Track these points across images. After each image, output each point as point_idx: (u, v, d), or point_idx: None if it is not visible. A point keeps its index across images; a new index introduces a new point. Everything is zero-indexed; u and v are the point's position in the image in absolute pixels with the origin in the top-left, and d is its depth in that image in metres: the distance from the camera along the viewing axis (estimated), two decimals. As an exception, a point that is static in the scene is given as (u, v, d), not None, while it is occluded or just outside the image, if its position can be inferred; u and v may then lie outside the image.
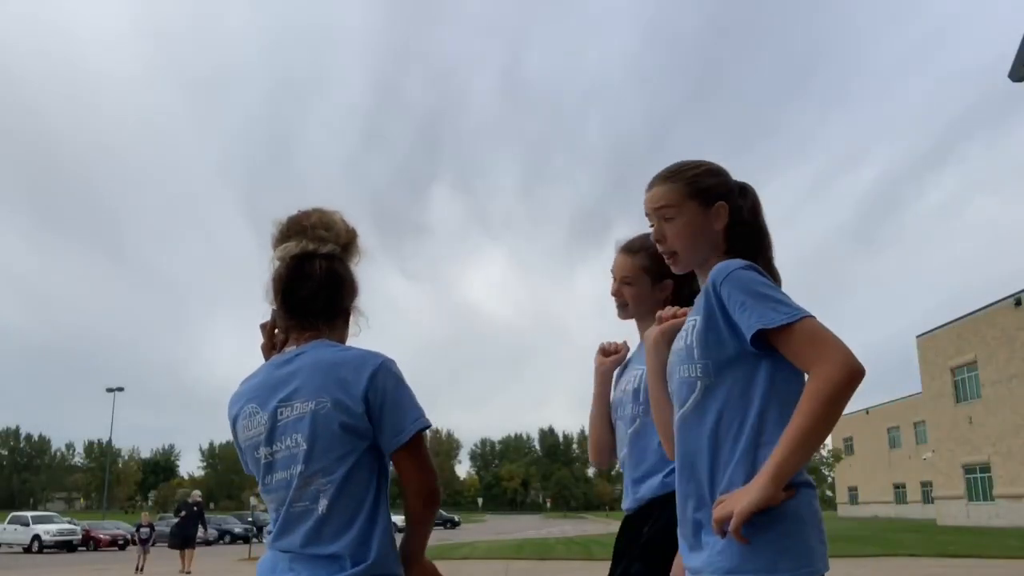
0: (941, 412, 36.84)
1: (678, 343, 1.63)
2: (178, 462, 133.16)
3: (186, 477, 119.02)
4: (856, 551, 17.69)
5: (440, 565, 1.71)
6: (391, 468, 1.62)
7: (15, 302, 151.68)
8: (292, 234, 1.69)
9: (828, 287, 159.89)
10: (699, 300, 1.59)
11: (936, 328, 37.19)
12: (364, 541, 1.51)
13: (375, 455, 1.59)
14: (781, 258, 1.71)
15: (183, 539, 17.38)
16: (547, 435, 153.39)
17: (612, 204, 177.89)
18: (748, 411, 1.48)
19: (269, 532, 1.65)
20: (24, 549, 29.74)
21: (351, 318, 1.74)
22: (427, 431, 1.57)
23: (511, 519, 79.22)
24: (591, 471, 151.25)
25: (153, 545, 18.84)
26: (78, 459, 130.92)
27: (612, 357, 2.32)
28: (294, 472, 1.56)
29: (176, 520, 18.17)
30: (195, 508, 17.86)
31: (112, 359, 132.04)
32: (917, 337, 38.72)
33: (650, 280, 2.18)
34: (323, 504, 1.53)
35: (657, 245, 1.72)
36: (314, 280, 1.66)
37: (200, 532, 18.30)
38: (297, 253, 1.67)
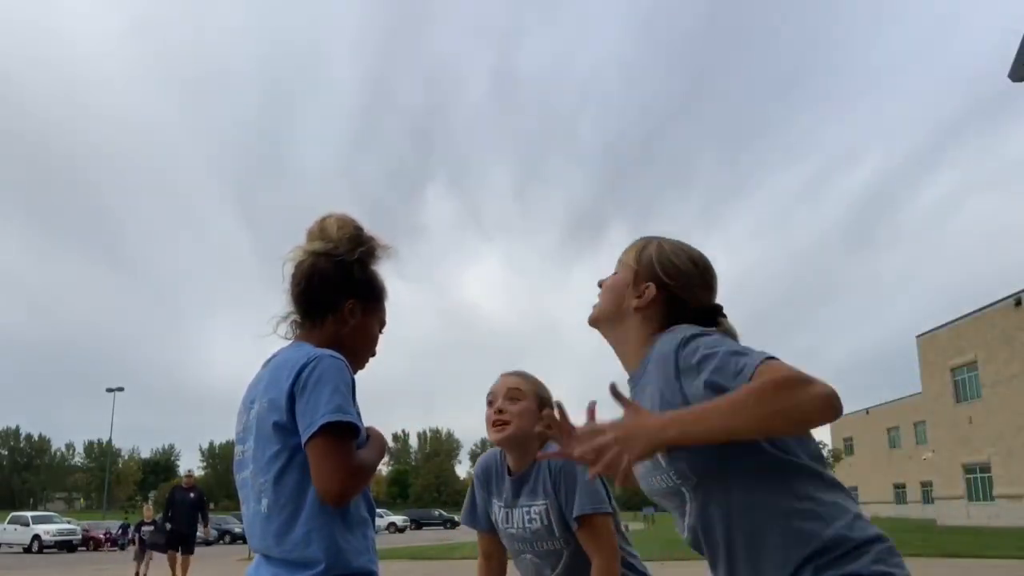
0: (941, 412, 36.85)
1: None
2: (178, 462, 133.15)
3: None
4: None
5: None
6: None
7: (15, 302, 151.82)
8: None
9: (827, 287, 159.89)
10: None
11: (936, 328, 37.21)
12: (309, 543, 1.46)
13: None
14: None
15: (176, 538, 12.59)
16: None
17: (607, 204, 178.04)
18: None
19: None
20: (24, 549, 29.81)
21: (359, 318, 1.69)
22: (348, 429, 1.46)
23: (511, 519, 79.05)
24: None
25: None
26: (78, 459, 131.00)
27: None
28: (247, 474, 1.59)
29: (168, 514, 12.88)
30: (191, 496, 12.75)
31: (112, 359, 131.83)
32: (917, 337, 38.74)
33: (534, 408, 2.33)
34: (264, 504, 1.52)
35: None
36: (295, 280, 1.69)
37: (200, 530, 12.81)
38: (291, 257, 1.70)
